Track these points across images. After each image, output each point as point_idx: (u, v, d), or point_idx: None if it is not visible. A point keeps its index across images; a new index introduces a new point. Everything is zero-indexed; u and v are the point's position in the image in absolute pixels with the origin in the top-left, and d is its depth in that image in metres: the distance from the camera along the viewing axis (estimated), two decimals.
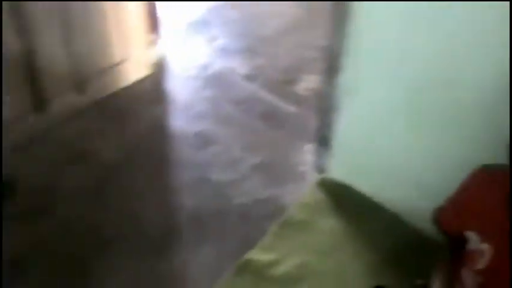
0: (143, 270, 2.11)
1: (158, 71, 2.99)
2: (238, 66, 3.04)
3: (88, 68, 2.68)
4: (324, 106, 2.26)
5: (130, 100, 2.83)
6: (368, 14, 1.85)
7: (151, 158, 2.56)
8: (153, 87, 2.92)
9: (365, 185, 2.21)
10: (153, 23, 2.90)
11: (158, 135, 2.68)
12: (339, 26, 2.00)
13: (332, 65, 2.14)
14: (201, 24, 3.36)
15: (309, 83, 2.92)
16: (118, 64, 2.81)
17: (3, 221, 2.15)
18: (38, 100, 2.56)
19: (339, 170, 2.31)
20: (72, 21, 2.52)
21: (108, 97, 2.81)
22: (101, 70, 2.75)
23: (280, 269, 2.06)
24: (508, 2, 1.49)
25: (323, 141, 2.33)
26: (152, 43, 2.94)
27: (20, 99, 2.48)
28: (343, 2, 1.89)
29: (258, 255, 2.09)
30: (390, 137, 2.04)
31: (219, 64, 3.07)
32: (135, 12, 2.75)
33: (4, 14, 2.27)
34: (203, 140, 2.62)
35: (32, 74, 2.49)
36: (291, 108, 2.78)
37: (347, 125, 2.20)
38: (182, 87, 2.94)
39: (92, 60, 2.69)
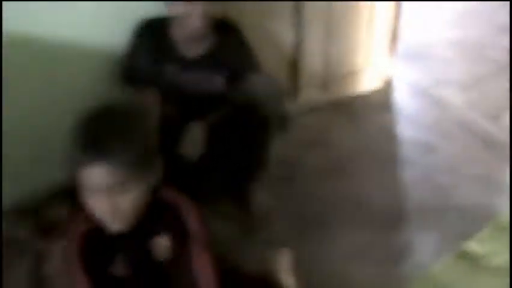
0: (372, 241, 2.46)
1: (389, 84, 3.36)
2: (454, 95, 3.34)
3: (335, 69, 3.09)
4: None
5: (364, 105, 3.21)
6: None
7: (380, 154, 2.91)
8: (384, 98, 3.28)
9: None
10: (393, 41, 3.29)
11: (386, 137, 3.03)
12: None
13: None
14: (418, 55, 3.70)
15: None
16: (359, 71, 3.19)
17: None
18: (293, 87, 3.01)
19: None
20: (333, 24, 2.92)
21: (346, 98, 3.21)
22: (345, 74, 3.16)
23: (494, 262, 2.33)
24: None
25: None
26: (389, 58, 3.34)
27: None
28: None
29: (474, 246, 2.39)
30: None
31: (438, 90, 3.38)
32: (382, 28, 3.13)
33: (287, 8, 2.75)
34: (427, 148, 2.93)
35: (294, 63, 2.94)
36: (503, 135, 3.06)
37: None
38: (409, 102, 3.28)
39: (341, 63, 3.09)
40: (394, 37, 3.25)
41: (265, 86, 2.37)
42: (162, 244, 1.68)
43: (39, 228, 2.41)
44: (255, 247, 2.25)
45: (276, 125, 2.39)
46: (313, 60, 2.98)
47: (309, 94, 3.08)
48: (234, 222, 2.45)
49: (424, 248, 2.43)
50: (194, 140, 2.27)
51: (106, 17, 2.37)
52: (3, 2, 2.13)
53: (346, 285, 2.28)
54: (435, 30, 3.89)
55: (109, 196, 1.47)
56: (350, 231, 2.49)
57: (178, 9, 2.18)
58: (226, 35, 2.33)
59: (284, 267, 2.09)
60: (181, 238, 1.69)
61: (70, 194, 2.39)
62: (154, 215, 1.63)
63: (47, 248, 2.27)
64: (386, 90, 3.33)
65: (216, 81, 2.39)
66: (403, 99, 3.30)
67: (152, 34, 2.31)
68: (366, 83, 3.26)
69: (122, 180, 1.46)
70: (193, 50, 2.32)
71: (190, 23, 2.19)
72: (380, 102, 3.26)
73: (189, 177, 2.30)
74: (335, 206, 2.60)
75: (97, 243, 1.63)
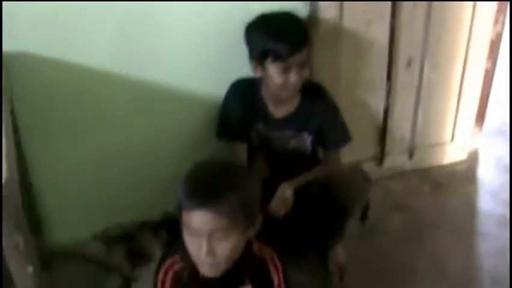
0: None
1: (474, 157, 3.43)
2: None
3: (422, 138, 3.20)
4: None
5: (448, 175, 3.30)
6: None
7: (458, 224, 2.98)
8: (468, 170, 3.36)
9: None
10: (481, 114, 3.38)
11: (466, 208, 3.11)
12: None
13: None
14: (504, 132, 3.69)
15: None
16: (445, 142, 3.29)
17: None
18: (380, 152, 3.15)
19: None
20: (423, 94, 3.05)
21: (431, 167, 3.32)
22: (432, 143, 3.26)
23: None
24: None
25: None
26: (476, 132, 3.42)
27: (368, 147, 3.10)
28: None
29: None
30: None
31: None
32: (472, 101, 3.23)
33: (379, 77, 2.89)
34: (505, 222, 2.97)
35: (382, 129, 3.08)
36: None
37: None
38: (491, 176, 3.34)
39: (427, 133, 3.20)
40: (482, 111, 3.34)
41: (353, 176, 2.50)
42: None
43: (128, 255, 2.60)
44: None
45: (358, 215, 2.61)
46: (401, 128, 3.10)
47: (395, 160, 3.20)
48: (311, 275, 2.62)
49: None
50: (283, 200, 2.36)
51: (211, 70, 2.56)
52: None
53: None
54: None
55: (209, 241, 1.58)
56: None
57: (272, 76, 2.28)
58: (314, 96, 2.45)
59: None
60: None
61: (163, 227, 2.59)
62: (243, 265, 1.73)
63: (135, 274, 2.47)
64: (470, 162, 3.40)
65: (304, 140, 2.52)
66: (486, 173, 3.37)
67: (245, 93, 2.46)
68: (452, 154, 3.34)
69: (224, 228, 1.57)
70: (281, 109, 2.45)
71: (283, 90, 2.32)
72: (463, 174, 3.34)
73: (273, 232, 2.45)
74: (409, 269, 2.69)
75: (186, 283, 1.74)
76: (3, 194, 1.42)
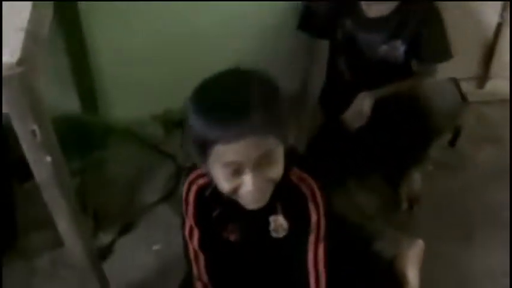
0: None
1: None
2: None
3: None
4: None
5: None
6: None
7: None
8: None
9: None
10: None
11: None
12: None
13: None
14: None
15: None
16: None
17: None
18: (483, 74, 2.87)
19: None
20: None
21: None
22: None
23: None
24: None
25: None
26: None
27: (470, 65, 2.82)
28: None
29: None
30: None
31: None
32: None
33: None
34: None
35: (490, 48, 2.79)
36: None
37: None
38: None
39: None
40: None
41: (446, 96, 2.24)
42: (280, 223, 1.61)
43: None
44: (391, 228, 2.20)
45: (447, 137, 2.45)
46: None
47: (498, 84, 2.89)
48: (379, 198, 2.45)
49: None
50: (359, 111, 2.17)
51: None
52: None
53: None
54: None
55: (255, 173, 1.34)
56: (496, 246, 2.29)
57: None
58: (416, 0, 2.19)
59: (413, 258, 2.02)
60: (301, 224, 1.60)
61: None
62: (280, 194, 1.50)
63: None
64: None
65: (396, 48, 2.25)
66: None
67: None
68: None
69: (271, 148, 1.33)
70: (375, 9, 2.19)
71: None
72: None
73: (344, 145, 2.29)
74: (491, 212, 2.41)
75: (214, 203, 1.57)
76: (4, 74, 1.29)
